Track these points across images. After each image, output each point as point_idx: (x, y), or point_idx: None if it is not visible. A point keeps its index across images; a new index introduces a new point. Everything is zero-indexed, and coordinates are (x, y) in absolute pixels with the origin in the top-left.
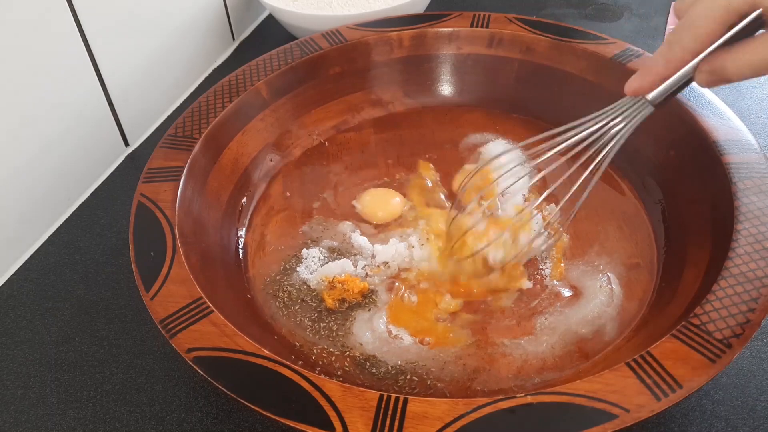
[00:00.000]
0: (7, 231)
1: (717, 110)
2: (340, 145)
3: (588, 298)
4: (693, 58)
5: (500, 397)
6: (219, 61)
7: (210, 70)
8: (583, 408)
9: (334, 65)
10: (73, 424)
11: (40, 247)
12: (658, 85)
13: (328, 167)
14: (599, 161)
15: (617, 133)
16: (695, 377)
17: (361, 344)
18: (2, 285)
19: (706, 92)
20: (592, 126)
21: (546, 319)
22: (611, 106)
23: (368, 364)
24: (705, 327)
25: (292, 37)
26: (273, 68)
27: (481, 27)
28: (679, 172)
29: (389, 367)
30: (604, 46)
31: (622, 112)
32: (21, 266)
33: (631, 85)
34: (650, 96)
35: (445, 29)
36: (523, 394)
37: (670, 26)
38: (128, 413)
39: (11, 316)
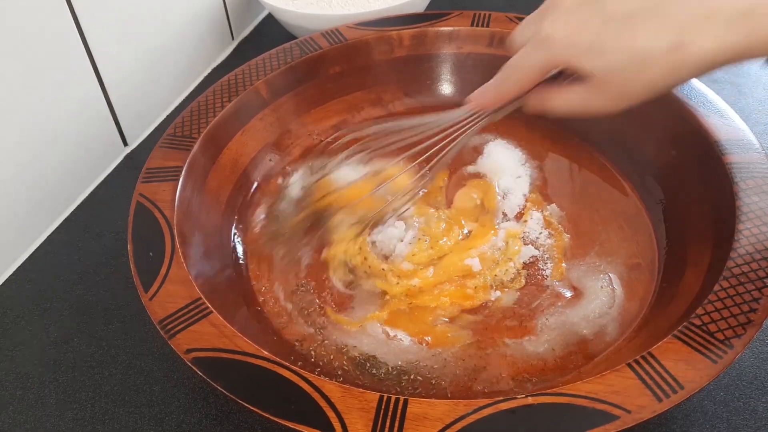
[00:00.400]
0: (6, 231)
1: (719, 110)
2: (340, 144)
3: (589, 299)
4: (520, 93)
5: (501, 397)
6: (218, 61)
7: (209, 70)
8: (584, 409)
9: (333, 65)
10: (71, 425)
11: (39, 247)
12: (493, 107)
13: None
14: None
15: (463, 133)
16: (697, 378)
17: (360, 345)
18: (0, 285)
19: (708, 92)
20: (445, 126)
21: (547, 319)
22: (457, 112)
23: (368, 365)
24: (706, 327)
25: (292, 37)
26: (272, 68)
27: (482, 26)
28: (680, 172)
29: (390, 368)
30: None
31: (468, 118)
32: (19, 266)
33: (473, 101)
34: (488, 113)
35: (446, 28)
36: (524, 395)
37: None
38: (127, 414)
39: (9, 316)
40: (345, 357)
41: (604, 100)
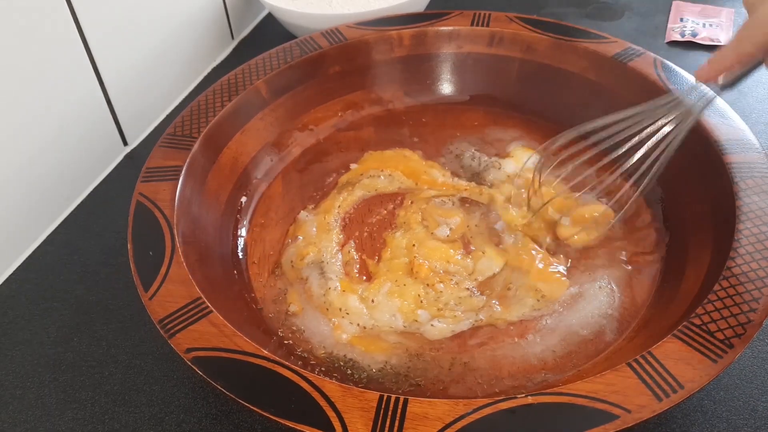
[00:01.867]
0: (6, 231)
1: (719, 110)
2: (339, 144)
3: (589, 299)
4: (761, 53)
5: (501, 397)
6: (218, 60)
7: (209, 69)
8: (584, 408)
9: (333, 64)
10: (71, 424)
11: (39, 246)
12: (729, 69)
13: (327, 166)
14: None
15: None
16: (697, 377)
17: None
18: (0, 285)
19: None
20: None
21: (547, 319)
22: (664, 101)
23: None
24: (706, 327)
25: (292, 36)
26: (272, 67)
27: (482, 26)
28: (680, 172)
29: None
30: (605, 45)
31: (676, 106)
32: (19, 266)
33: (702, 74)
34: (721, 81)
35: (446, 28)
36: (523, 395)
37: (671, 25)
38: (127, 414)
39: (9, 316)
40: (344, 358)
41: None
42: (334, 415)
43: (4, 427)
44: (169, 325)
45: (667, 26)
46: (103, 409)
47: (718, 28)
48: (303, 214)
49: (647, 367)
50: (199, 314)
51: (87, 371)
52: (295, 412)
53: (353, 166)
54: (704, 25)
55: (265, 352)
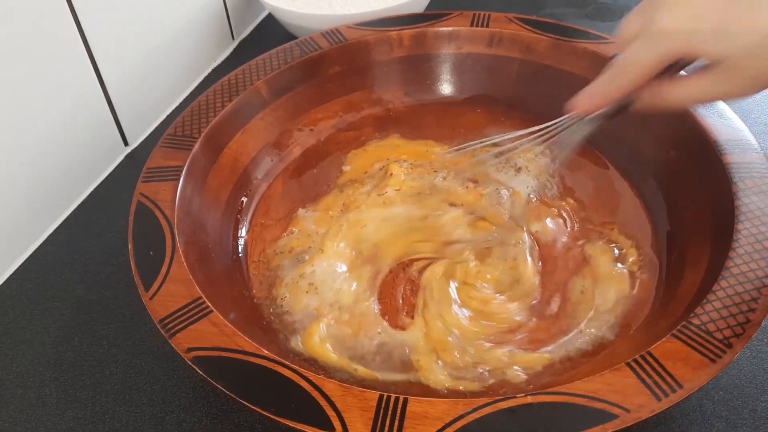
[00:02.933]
0: (6, 230)
1: (717, 110)
2: (340, 144)
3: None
4: (632, 91)
5: (500, 396)
6: (218, 61)
7: (209, 70)
8: (583, 408)
9: (333, 65)
10: (72, 424)
11: (39, 246)
12: (600, 109)
13: (328, 167)
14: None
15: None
16: (696, 377)
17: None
18: (1, 285)
19: None
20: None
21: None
22: (562, 119)
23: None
24: (705, 327)
25: (292, 37)
26: (273, 67)
27: (481, 26)
28: (679, 172)
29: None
30: (605, 45)
31: (572, 124)
32: (20, 266)
33: (575, 105)
34: (592, 116)
35: (445, 29)
36: (523, 394)
37: None
38: (127, 413)
39: (10, 315)
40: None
41: (735, 86)
42: (334, 414)
43: (5, 427)
44: (170, 325)
45: None
46: (103, 409)
47: None
48: (302, 211)
49: (646, 366)
50: (200, 314)
51: (88, 371)
52: (295, 411)
53: (346, 168)
54: None
55: (266, 352)
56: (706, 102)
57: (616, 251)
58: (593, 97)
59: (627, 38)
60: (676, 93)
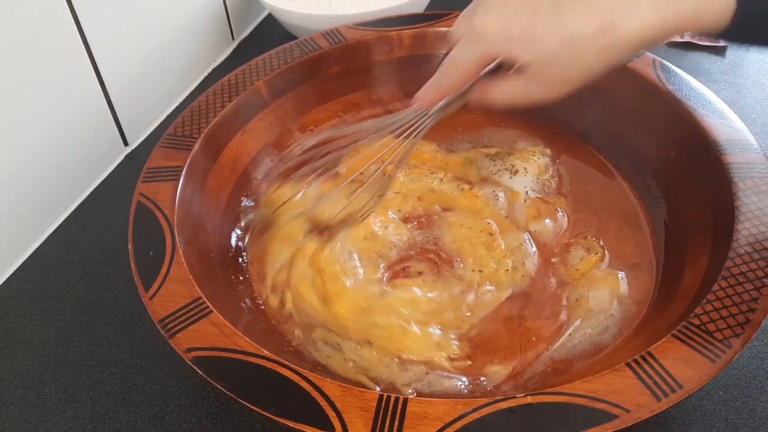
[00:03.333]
0: (6, 231)
1: (717, 110)
2: (339, 144)
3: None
4: (460, 87)
5: (500, 397)
6: (218, 61)
7: (209, 70)
8: (583, 408)
9: (333, 65)
10: (72, 424)
11: (39, 246)
12: (437, 103)
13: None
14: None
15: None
16: (695, 377)
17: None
18: (1, 285)
19: (707, 92)
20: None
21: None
22: (405, 113)
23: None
24: (705, 327)
25: (292, 37)
26: (273, 68)
27: None
28: (679, 172)
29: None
30: None
31: (416, 118)
32: (20, 266)
33: (416, 99)
34: (433, 110)
35: (446, 28)
36: (523, 395)
37: None
38: (127, 413)
39: (10, 315)
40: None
41: (543, 88)
42: (334, 414)
43: (5, 427)
44: (170, 325)
45: None
46: (103, 409)
47: None
48: None
49: (646, 366)
50: (200, 314)
51: (87, 371)
52: (295, 411)
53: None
54: None
55: (266, 352)
56: (523, 103)
57: (614, 251)
58: (429, 93)
59: (455, 38)
60: (496, 92)
